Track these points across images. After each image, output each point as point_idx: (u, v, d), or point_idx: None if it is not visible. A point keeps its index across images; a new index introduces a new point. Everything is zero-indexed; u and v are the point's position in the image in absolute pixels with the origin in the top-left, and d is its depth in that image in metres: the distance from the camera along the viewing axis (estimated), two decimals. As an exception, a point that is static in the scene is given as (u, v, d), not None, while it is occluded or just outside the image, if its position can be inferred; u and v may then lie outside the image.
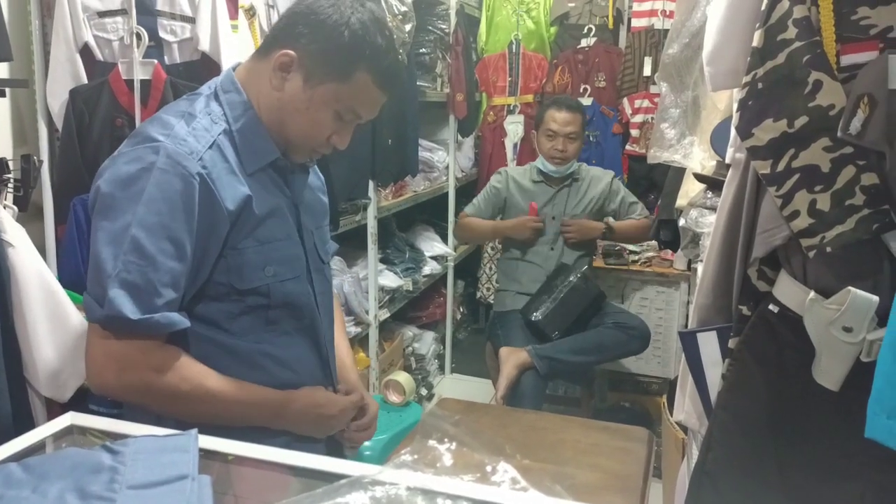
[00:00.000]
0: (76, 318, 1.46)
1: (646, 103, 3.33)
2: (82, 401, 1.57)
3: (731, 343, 1.18)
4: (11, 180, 1.52)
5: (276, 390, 1.18)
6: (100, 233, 1.04)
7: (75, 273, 1.69)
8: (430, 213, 3.61)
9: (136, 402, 1.11)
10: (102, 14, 1.74)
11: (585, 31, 3.51)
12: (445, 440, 0.85)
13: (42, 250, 1.74)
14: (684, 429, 1.61)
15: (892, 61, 0.97)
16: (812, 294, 1.04)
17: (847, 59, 1.01)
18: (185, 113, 1.11)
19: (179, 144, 1.05)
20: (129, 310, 1.01)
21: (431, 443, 0.88)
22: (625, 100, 3.41)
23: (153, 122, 1.11)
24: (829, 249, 1.01)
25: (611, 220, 2.86)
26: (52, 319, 1.40)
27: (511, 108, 3.67)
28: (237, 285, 1.12)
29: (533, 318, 2.65)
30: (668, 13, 3.19)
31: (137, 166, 1.04)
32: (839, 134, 0.99)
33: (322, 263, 1.30)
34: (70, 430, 0.93)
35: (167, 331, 1.06)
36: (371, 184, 2.67)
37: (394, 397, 2.32)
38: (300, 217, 1.24)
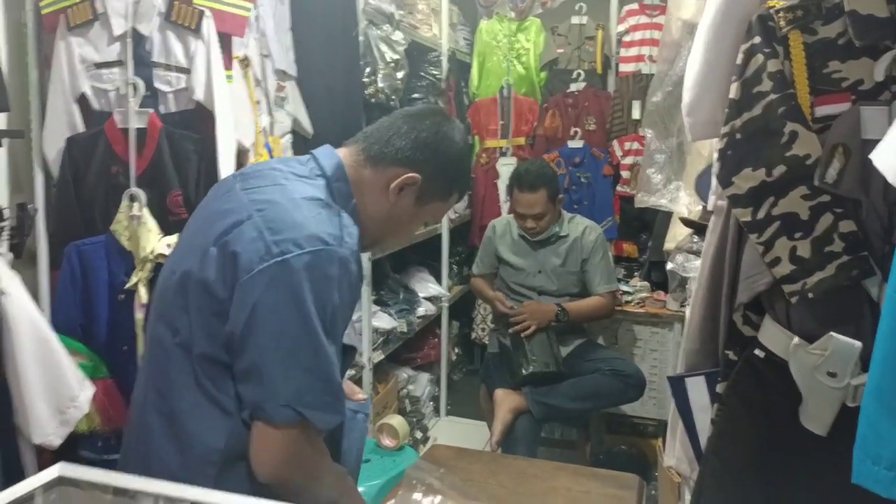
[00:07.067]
0: (67, 367, 1.46)
1: (635, 146, 3.37)
2: (73, 446, 1.56)
3: (719, 388, 1.19)
4: (7, 228, 1.54)
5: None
6: (311, 341, 1.04)
7: (68, 318, 1.69)
8: (425, 254, 3.63)
9: (302, 483, 1.11)
10: (100, 65, 1.77)
11: (574, 76, 3.58)
12: (430, 494, 0.85)
13: (35, 295, 1.75)
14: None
15: (864, 112, 1.01)
16: (796, 339, 1.05)
17: (821, 111, 1.04)
18: (324, 203, 1.12)
19: (344, 246, 1.08)
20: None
21: (416, 496, 0.87)
22: (615, 142, 3.46)
23: (298, 206, 1.09)
24: (810, 295, 1.03)
25: (562, 303, 2.71)
26: (43, 368, 1.40)
27: (503, 150, 3.72)
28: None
29: (526, 373, 2.55)
30: (654, 59, 3.25)
31: (322, 274, 1.05)
32: (816, 182, 1.01)
33: None
34: (59, 482, 0.92)
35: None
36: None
37: (387, 441, 2.29)
38: None
